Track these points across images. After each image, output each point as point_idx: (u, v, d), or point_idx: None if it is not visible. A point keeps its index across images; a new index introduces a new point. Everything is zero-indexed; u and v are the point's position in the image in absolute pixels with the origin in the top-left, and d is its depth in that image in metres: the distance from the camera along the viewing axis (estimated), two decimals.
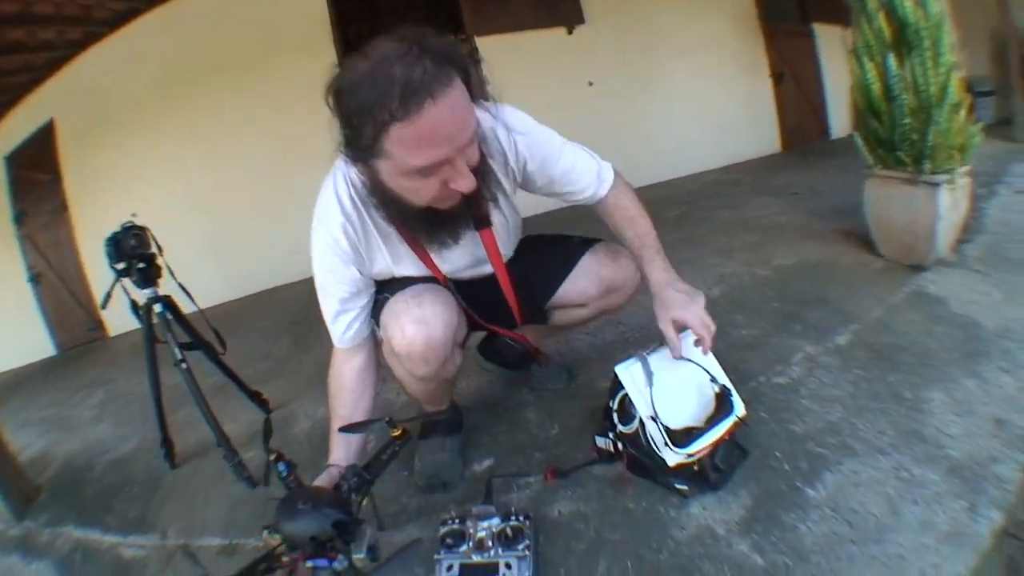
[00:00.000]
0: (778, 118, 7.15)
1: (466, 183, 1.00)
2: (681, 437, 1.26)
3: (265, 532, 1.01)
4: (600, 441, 1.45)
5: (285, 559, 0.98)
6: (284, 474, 1.11)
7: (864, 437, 1.36)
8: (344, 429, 1.25)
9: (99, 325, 5.22)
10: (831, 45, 7.73)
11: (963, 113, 2.44)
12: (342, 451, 1.29)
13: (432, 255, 1.34)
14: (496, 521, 1.20)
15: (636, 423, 1.32)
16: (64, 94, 4.92)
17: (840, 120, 7.97)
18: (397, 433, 1.20)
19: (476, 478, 1.54)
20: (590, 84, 5.77)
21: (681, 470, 1.27)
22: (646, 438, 1.30)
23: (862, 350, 1.79)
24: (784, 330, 2.00)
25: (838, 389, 1.61)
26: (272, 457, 1.12)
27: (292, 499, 1.01)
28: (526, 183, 1.39)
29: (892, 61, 2.42)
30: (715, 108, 6.47)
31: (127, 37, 4.85)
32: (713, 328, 1.24)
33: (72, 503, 1.99)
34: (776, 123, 7.14)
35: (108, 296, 1.97)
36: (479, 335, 1.81)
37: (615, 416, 1.39)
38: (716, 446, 1.29)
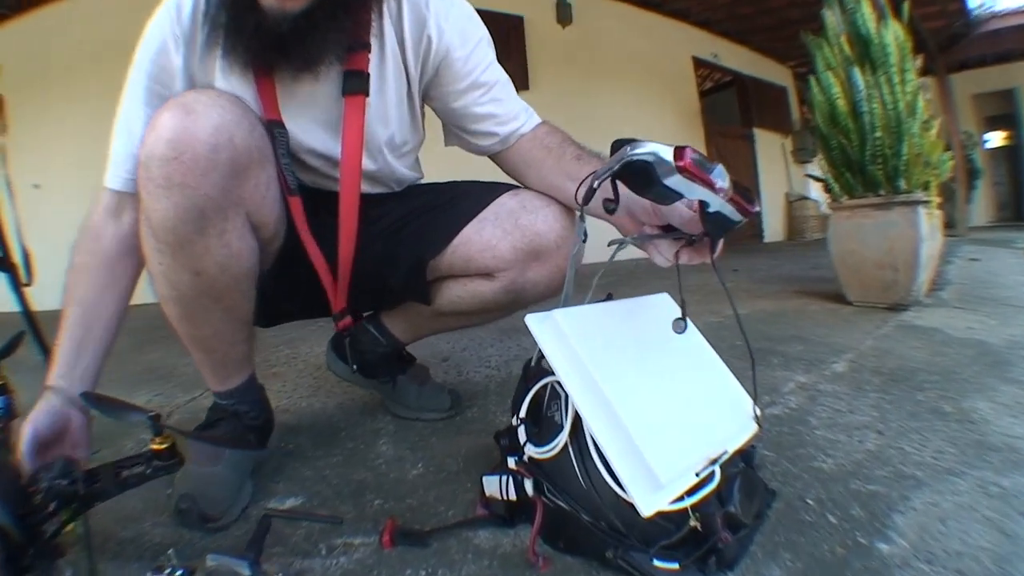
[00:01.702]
0: None
1: None
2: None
3: None
4: (491, 485, 0.78)
5: None
6: None
7: (922, 461, 0.97)
8: (88, 398, 0.75)
9: None
10: (769, 152, 8.16)
11: (934, 131, 2.17)
12: (73, 365, 0.82)
13: (278, 91, 0.88)
14: None
15: (564, 436, 0.67)
16: (11, 43, 4.67)
17: (773, 224, 8.18)
18: (160, 446, 0.70)
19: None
20: None
21: (663, 528, 0.62)
22: (582, 458, 0.65)
23: (870, 374, 1.42)
24: (761, 363, 1.56)
25: (860, 415, 1.17)
26: None
27: None
28: (439, 83, 0.98)
29: (858, 74, 2.13)
30: None
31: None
32: None
33: None
34: None
35: None
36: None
37: (522, 432, 0.74)
38: (727, 480, 0.67)
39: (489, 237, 0.97)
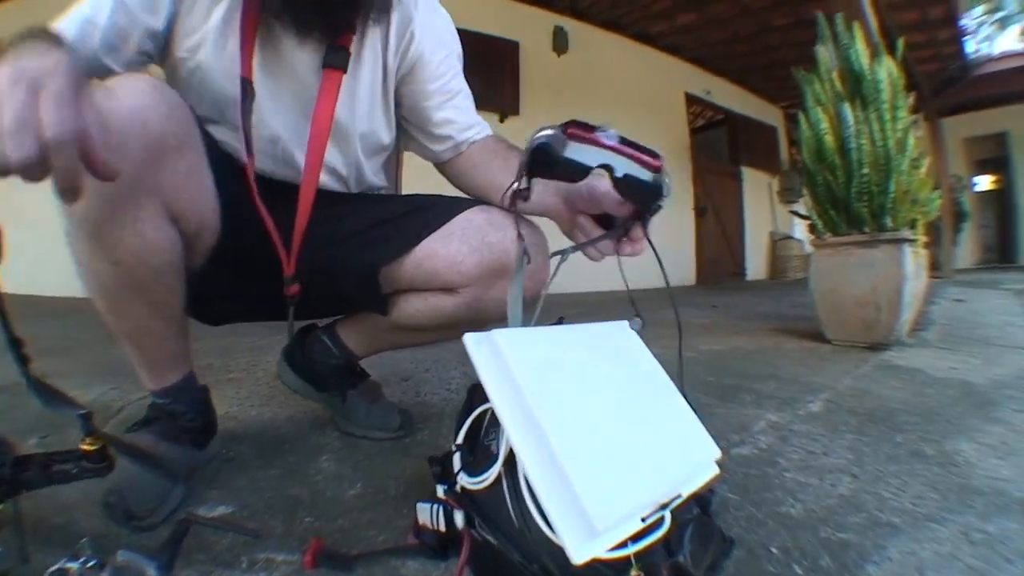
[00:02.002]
0: (695, 251, 7.14)
1: None
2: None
3: None
4: (423, 513, 0.71)
5: None
6: None
7: (900, 507, 0.93)
8: (30, 382, 0.65)
9: None
10: (756, 191, 8.21)
11: (923, 169, 2.14)
12: None
13: (261, 52, 0.88)
14: None
15: (497, 467, 0.60)
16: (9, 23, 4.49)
17: (756, 262, 8.20)
18: (90, 447, 0.66)
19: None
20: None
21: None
22: (515, 493, 0.58)
23: (847, 415, 1.36)
24: (732, 400, 1.50)
25: (835, 457, 1.11)
26: None
27: None
28: (412, 80, 1.02)
29: (848, 110, 2.11)
30: None
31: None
32: None
33: None
34: (693, 256, 7.13)
35: None
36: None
37: (457, 459, 0.67)
38: (677, 527, 0.61)
39: (455, 252, 0.94)
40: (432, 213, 0.97)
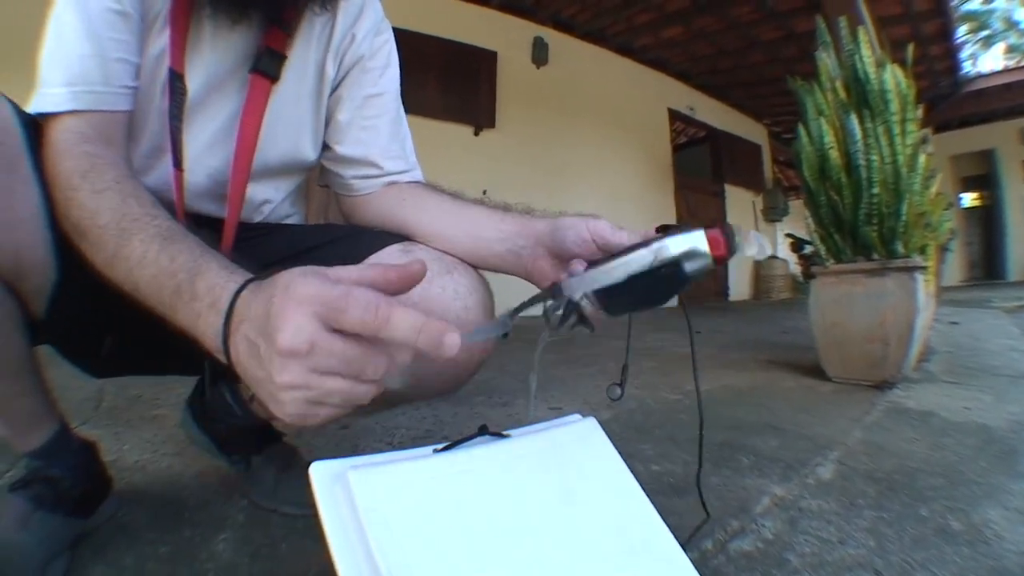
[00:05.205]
0: None
1: None
2: None
3: None
4: None
5: None
6: None
7: None
8: None
9: None
10: (739, 209, 8.14)
11: (934, 188, 1.96)
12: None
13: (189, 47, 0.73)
14: None
15: None
16: None
17: (740, 282, 8.10)
18: None
19: None
20: (484, 192, 5.44)
21: None
22: None
23: (863, 482, 1.17)
24: (727, 465, 1.27)
25: (853, 545, 0.91)
26: None
27: None
28: (342, 85, 0.88)
29: (855, 122, 1.92)
30: None
31: None
32: None
33: None
34: None
35: None
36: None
37: None
38: None
39: None
40: (338, 250, 0.79)
